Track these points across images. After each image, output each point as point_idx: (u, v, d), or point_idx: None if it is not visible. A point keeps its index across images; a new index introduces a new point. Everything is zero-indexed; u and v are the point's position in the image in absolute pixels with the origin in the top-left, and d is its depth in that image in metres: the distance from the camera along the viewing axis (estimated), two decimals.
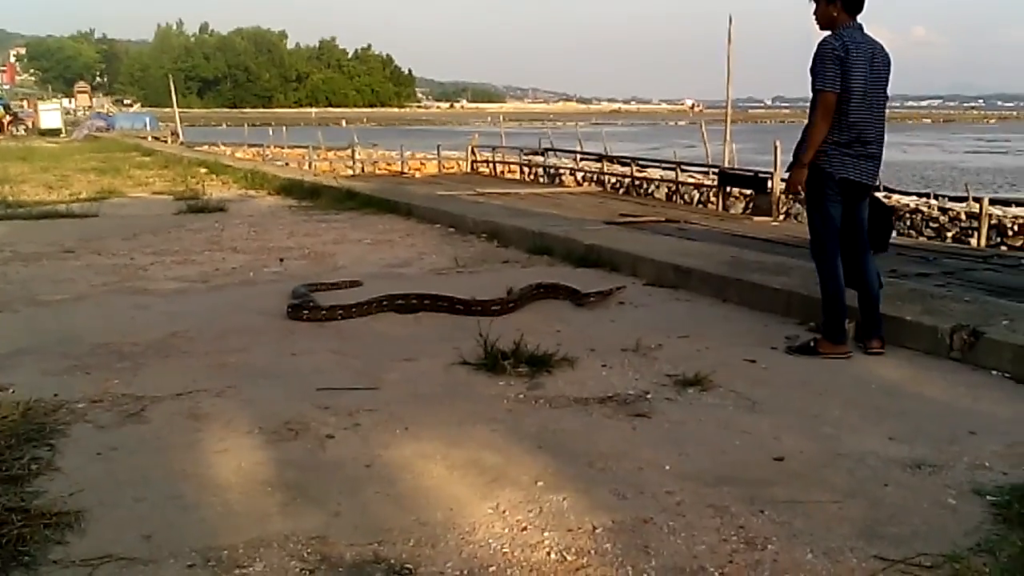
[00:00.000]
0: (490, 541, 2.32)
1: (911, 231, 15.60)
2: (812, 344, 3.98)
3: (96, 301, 5.28)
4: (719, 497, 2.53)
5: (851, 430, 3.05)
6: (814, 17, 4.05)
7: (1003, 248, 13.37)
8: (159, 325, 4.64)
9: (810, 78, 3.93)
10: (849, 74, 3.83)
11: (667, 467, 2.77)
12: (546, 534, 2.35)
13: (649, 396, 3.45)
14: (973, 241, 14.12)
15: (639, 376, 3.72)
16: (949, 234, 14.96)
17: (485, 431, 3.12)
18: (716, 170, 17.89)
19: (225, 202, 10.66)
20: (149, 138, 35.72)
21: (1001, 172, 34.51)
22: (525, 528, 2.39)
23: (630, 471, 2.75)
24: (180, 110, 43.35)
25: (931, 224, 15.52)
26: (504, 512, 2.48)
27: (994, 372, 3.63)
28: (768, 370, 3.79)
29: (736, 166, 17.54)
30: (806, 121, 3.99)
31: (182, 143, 35.04)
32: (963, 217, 15.14)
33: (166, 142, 34.72)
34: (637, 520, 2.41)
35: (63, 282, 5.78)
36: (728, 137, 16.99)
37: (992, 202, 15.82)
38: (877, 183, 4.05)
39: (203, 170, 16.70)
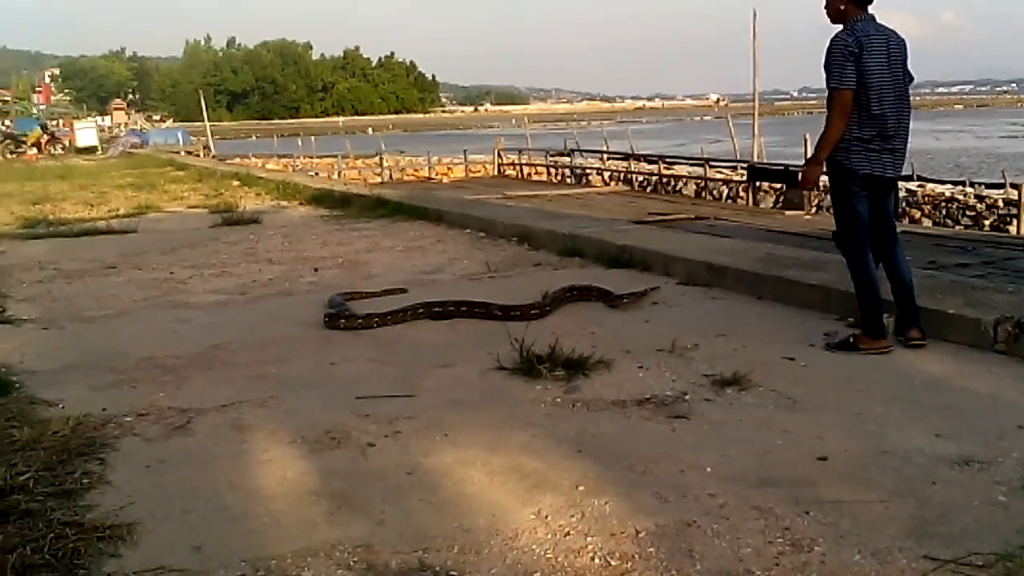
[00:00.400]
0: (533, 547, 2.33)
1: (947, 220, 15.33)
2: (851, 340, 3.94)
3: (139, 316, 5.38)
4: (763, 499, 2.52)
5: (896, 427, 3.02)
6: (825, 12, 4.03)
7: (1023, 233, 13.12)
8: (200, 338, 4.72)
9: (824, 75, 3.90)
10: (865, 68, 3.81)
11: (709, 469, 2.76)
12: (589, 539, 2.35)
13: (687, 397, 3.43)
14: (1012, 228, 13.83)
15: (676, 377, 3.71)
16: (987, 222, 14.67)
17: (524, 436, 3.13)
18: (745, 165, 17.73)
19: (259, 214, 10.78)
20: (182, 153, 36.26)
21: None
22: (568, 533, 2.39)
23: (671, 474, 2.74)
24: (211, 124, 44.03)
25: (967, 212, 15.23)
26: (546, 517, 2.49)
27: None
28: (808, 368, 3.76)
29: (765, 160, 17.37)
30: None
31: (214, 156, 35.54)
32: (1001, 204, 14.84)
33: (199, 156, 35.25)
34: (680, 523, 2.40)
35: (106, 298, 5.90)
36: (756, 131, 16.83)
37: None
38: (908, 173, 4.02)
39: (236, 183, 16.92)
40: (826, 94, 3.95)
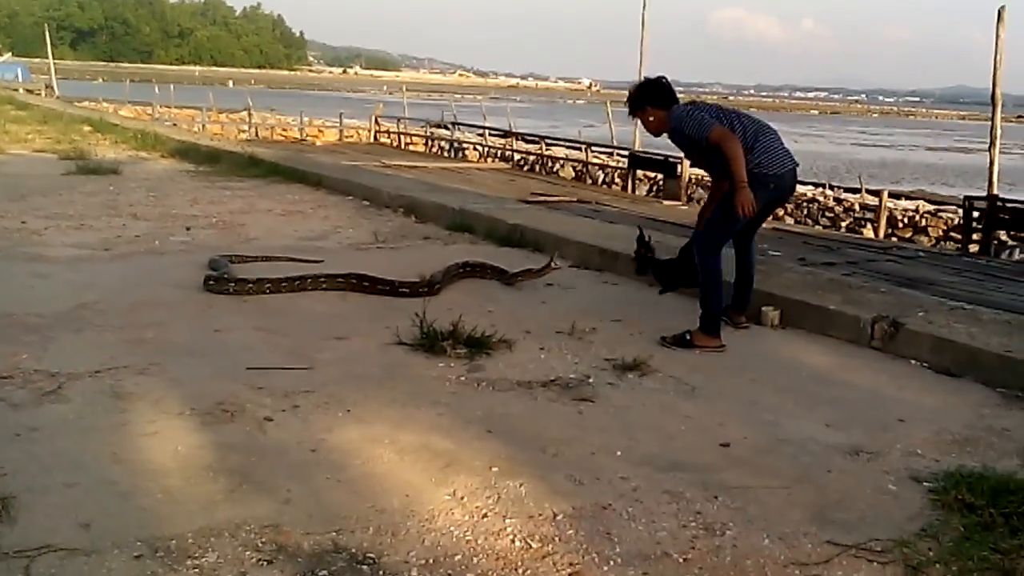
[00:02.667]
0: (451, 529, 2.28)
1: (807, 219, 16.29)
2: (688, 337, 3.99)
3: None
4: (673, 483, 2.57)
5: (789, 416, 3.16)
6: (651, 132, 4.30)
7: (894, 239, 14.13)
8: (64, 295, 4.34)
9: (693, 139, 4.03)
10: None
11: (618, 452, 2.79)
12: (507, 521, 2.32)
13: (591, 380, 3.46)
14: (866, 231, 14.86)
15: (578, 360, 3.74)
16: (844, 224, 15.67)
17: (431, 414, 3.06)
18: (626, 153, 18.12)
19: (117, 164, 10.06)
20: (21, 90, 33.32)
21: (886, 165, 36.51)
22: (485, 515, 2.35)
23: (583, 456, 2.75)
24: (54, 62, 40.61)
25: (826, 214, 16.23)
26: (462, 499, 2.44)
27: (913, 362, 3.83)
28: (702, 356, 3.87)
29: (642, 149, 17.81)
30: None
31: (58, 97, 32.88)
32: (857, 208, 15.91)
33: (40, 95, 32.52)
34: (596, 507, 2.42)
35: None
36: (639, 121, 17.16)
37: (876, 194, 16.65)
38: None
39: (87, 128, 15.74)
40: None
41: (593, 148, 21.65)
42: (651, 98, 4.20)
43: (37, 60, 51.13)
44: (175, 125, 25.43)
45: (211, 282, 4.61)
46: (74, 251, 5.46)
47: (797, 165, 4.19)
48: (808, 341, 4.18)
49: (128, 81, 42.76)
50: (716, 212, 4.17)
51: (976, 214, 12.15)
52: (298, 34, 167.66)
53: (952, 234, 14.67)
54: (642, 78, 4.46)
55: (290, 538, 2.19)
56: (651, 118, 4.19)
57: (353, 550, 2.15)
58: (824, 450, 2.85)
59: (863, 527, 2.33)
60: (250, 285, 4.58)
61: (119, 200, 7.65)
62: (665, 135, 4.25)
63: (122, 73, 66.39)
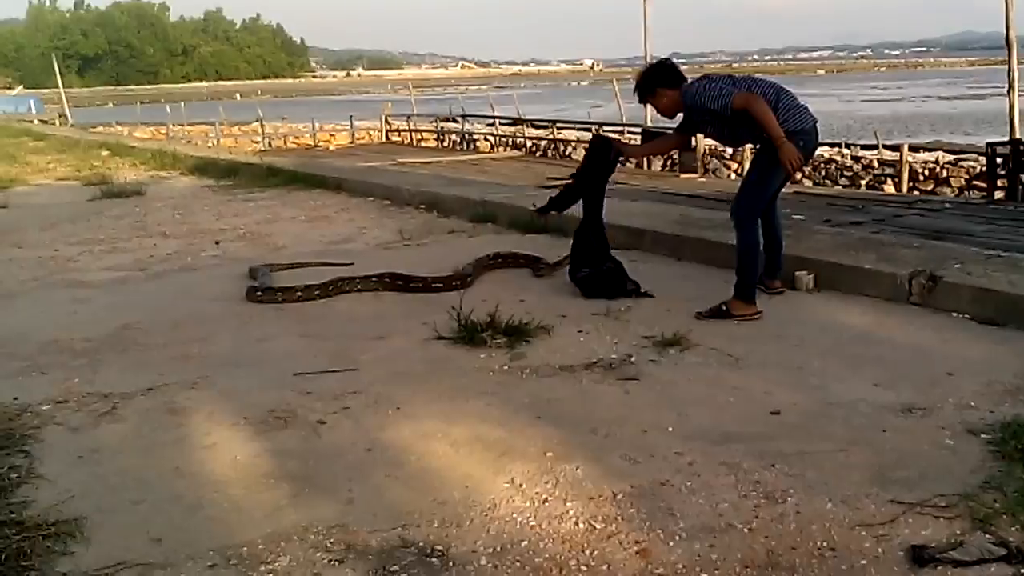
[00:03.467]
0: (514, 516, 2.31)
1: (826, 180, 16.14)
2: (724, 308, 3.97)
3: (30, 297, 4.97)
4: (728, 455, 2.58)
5: (836, 379, 3.15)
6: (663, 114, 4.28)
7: (916, 192, 13.97)
8: (106, 318, 4.41)
9: (717, 107, 3.96)
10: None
11: (670, 428, 2.80)
12: (568, 504, 2.35)
13: (633, 359, 3.47)
14: (887, 187, 14.70)
15: (617, 340, 3.75)
16: (863, 181, 15.52)
17: (479, 405, 3.09)
18: (639, 130, 18.05)
19: (140, 185, 10.18)
20: (35, 122, 33.78)
21: (899, 119, 36.01)
22: (546, 500, 2.38)
23: (634, 435, 2.77)
24: (64, 90, 41.12)
25: (845, 173, 16.07)
26: (521, 486, 2.46)
27: (954, 314, 3.80)
28: (741, 326, 3.87)
29: (652, 125, 17.70)
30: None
31: (72, 125, 33.28)
32: (876, 164, 15.73)
33: (55, 125, 32.93)
34: (654, 483, 2.43)
35: None
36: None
37: (894, 149, 16.45)
38: None
39: (105, 152, 15.92)
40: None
41: (604, 128, 21.56)
42: (661, 79, 4.19)
43: (47, 90, 51.88)
44: (190, 142, 25.66)
45: (257, 292, 4.66)
46: (110, 274, 5.55)
47: (816, 121, 4.16)
48: (845, 302, 4.15)
49: (139, 103, 43.25)
50: (751, 174, 4.14)
51: (999, 160, 11.96)
52: (299, 41, 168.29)
53: (976, 183, 14.47)
54: (647, 62, 4.44)
55: (358, 537, 2.23)
56: (664, 99, 4.17)
57: (421, 544, 2.18)
58: (875, 410, 2.84)
59: (925, 484, 2.33)
60: (299, 293, 4.64)
61: (147, 220, 7.75)
62: (680, 115, 4.24)
63: (131, 96, 67.11)
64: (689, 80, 4.16)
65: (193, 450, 2.80)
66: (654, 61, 4.34)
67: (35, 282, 5.35)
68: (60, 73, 39.40)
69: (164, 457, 2.74)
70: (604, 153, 4.60)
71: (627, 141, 4.26)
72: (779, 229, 4.38)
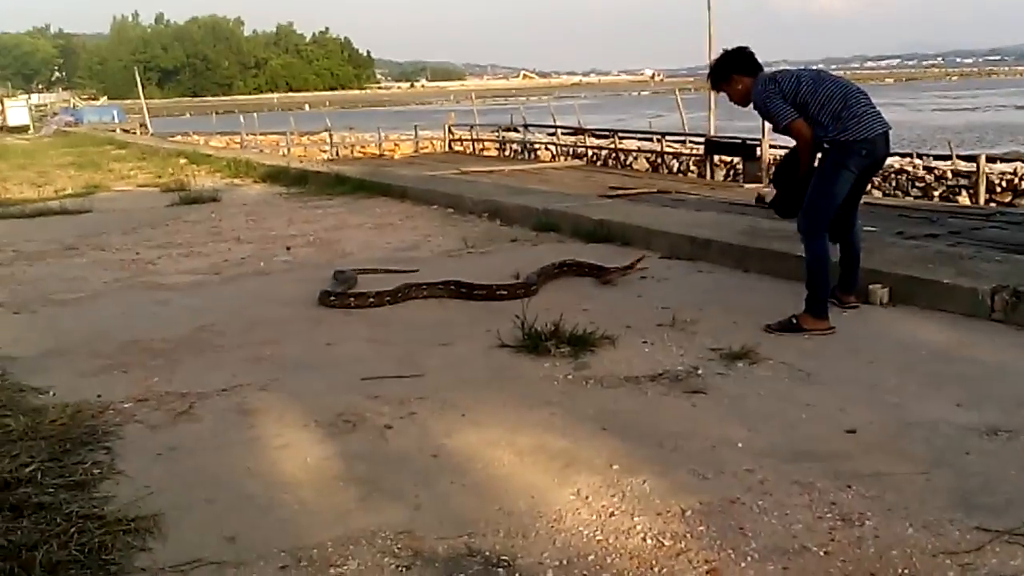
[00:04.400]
0: (581, 529, 2.29)
1: (896, 191, 15.68)
2: (794, 321, 3.89)
3: (112, 298, 5.16)
4: (802, 473, 2.51)
5: (914, 398, 3.05)
6: (733, 101, 4.21)
7: (992, 204, 13.48)
8: (183, 320, 4.55)
9: (772, 123, 4.05)
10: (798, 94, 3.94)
11: (739, 444, 2.74)
12: (636, 519, 2.32)
13: (700, 372, 3.42)
14: (961, 199, 14.21)
15: (683, 352, 3.70)
16: (936, 193, 15.03)
17: (544, 414, 3.08)
18: (702, 139, 17.88)
19: (215, 192, 10.48)
20: (118, 131, 35.12)
21: (973, 129, 34.87)
22: (612, 514, 2.36)
23: (703, 450, 2.72)
24: (144, 101, 42.74)
25: (916, 184, 15.59)
26: (587, 498, 2.45)
27: None
28: (812, 340, 3.78)
29: (716, 134, 17.51)
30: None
31: (152, 134, 34.48)
32: (949, 175, 15.23)
33: (135, 134, 34.17)
34: (724, 501, 2.39)
35: (74, 280, 5.65)
36: (713, 106, 16.94)
37: (969, 159, 15.91)
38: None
39: (183, 160, 16.44)
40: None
41: (670, 138, 21.39)
42: (737, 66, 4.12)
43: (129, 101, 53.97)
44: (262, 151, 26.36)
45: (331, 297, 4.76)
46: (187, 277, 5.72)
47: (889, 129, 4.04)
48: (922, 318, 4.02)
49: (214, 114, 44.61)
50: (812, 189, 4.06)
51: None
52: (365, 54, 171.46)
53: None
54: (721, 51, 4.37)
55: (424, 544, 2.24)
56: (739, 86, 4.10)
57: (487, 553, 2.18)
58: (958, 432, 2.74)
59: (1013, 511, 2.23)
60: (371, 299, 4.73)
61: (222, 226, 7.97)
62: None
63: (207, 107, 69.30)
64: (764, 74, 4.06)
65: (265, 451, 2.86)
66: (732, 48, 4.23)
67: (117, 283, 5.55)
68: (141, 84, 40.98)
69: (237, 456, 2.81)
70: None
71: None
72: (858, 242, 4.26)
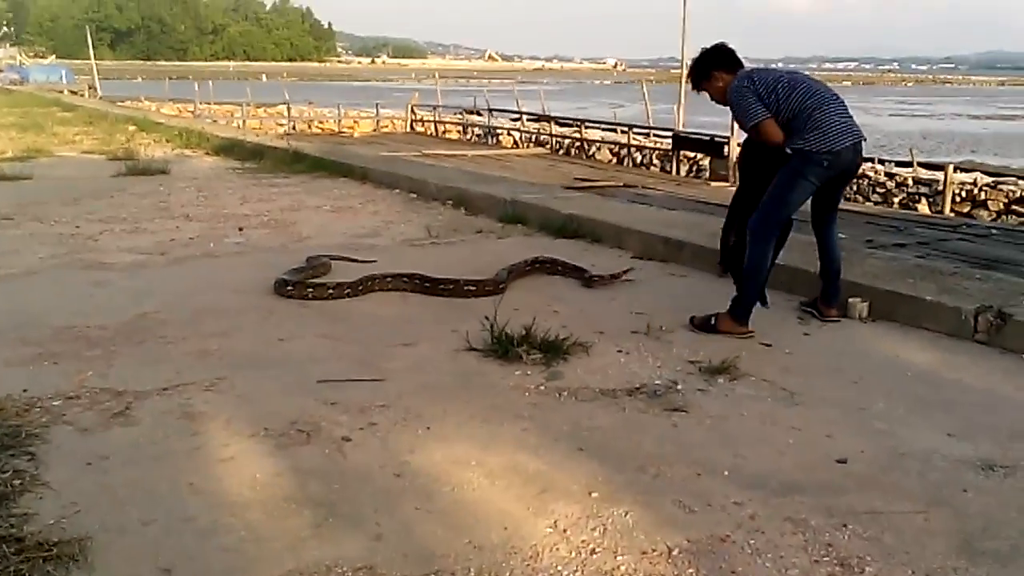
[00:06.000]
0: (559, 568, 2.09)
1: (857, 196, 15.77)
2: (713, 321, 3.87)
3: (47, 276, 4.80)
4: (794, 508, 2.35)
5: (903, 424, 2.91)
6: (714, 100, 4.05)
7: (951, 214, 13.61)
8: (124, 305, 4.23)
9: (743, 123, 3.90)
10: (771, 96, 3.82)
11: (725, 472, 2.57)
12: (619, 558, 2.12)
13: (679, 387, 3.24)
14: (920, 207, 14.33)
15: (660, 363, 3.52)
16: (896, 199, 15.14)
17: (515, 430, 2.87)
18: (668, 133, 17.76)
19: (165, 163, 10.03)
20: (66, 92, 33.85)
21: (930, 136, 35.47)
22: (594, 551, 2.16)
23: (687, 478, 2.54)
24: (96, 62, 41.27)
25: (877, 190, 15.70)
26: (565, 531, 2.24)
27: None
28: (793, 356, 3.63)
29: (684, 128, 17.42)
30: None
31: (101, 98, 33.31)
32: (910, 183, 15.35)
33: (84, 96, 32.99)
34: (714, 539, 2.21)
35: (7, 254, 5.26)
36: (683, 100, 16.79)
37: (929, 167, 16.11)
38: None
39: (132, 127, 15.84)
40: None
41: (637, 130, 21.27)
42: (719, 62, 3.98)
43: (79, 61, 52.13)
44: (215, 121, 25.59)
45: (288, 287, 4.47)
46: (130, 256, 5.37)
47: (861, 139, 3.92)
48: (904, 335, 3.90)
49: (167, 79, 43.27)
50: (768, 193, 3.93)
51: None
52: (326, 25, 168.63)
53: (1015, 207, 14.09)
54: (690, 57, 4.22)
55: None
56: (719, 83, 3.95)
57: None
58: (953, 466, 2.60)
59: (1018, 560, 2.09)
60: (330, 290, 4.48)
61: (170, 201, 7.58)
62: None
63: (160, 71, 67.35)
64: (742, 71, 3.94)
65: (209, 463, 2.60)
66: (712, 45, 4.09)
67: (54, 260, 5.19)
68: (92, 45, 39.47)
69: (178, 469, 2.55)
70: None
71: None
72: (836, 253, 4.16)
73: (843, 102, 3.98)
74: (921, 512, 2.32)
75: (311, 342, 3.79)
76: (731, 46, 4.07)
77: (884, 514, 2.31)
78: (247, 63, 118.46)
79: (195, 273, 5.02)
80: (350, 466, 2.60)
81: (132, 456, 2.62)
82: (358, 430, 2.84)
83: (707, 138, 15.61)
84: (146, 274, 4.94)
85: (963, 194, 14.94)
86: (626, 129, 21.23)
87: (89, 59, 41.03)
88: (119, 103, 28.00)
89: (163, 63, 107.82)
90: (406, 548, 2.16)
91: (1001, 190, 14.75)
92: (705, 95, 4.11)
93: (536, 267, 4.95)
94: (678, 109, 15.59)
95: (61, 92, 32.74)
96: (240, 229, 6.36)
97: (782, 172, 3.90)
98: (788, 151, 3.85)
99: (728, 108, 4.05)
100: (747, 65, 4.06)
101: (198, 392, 3.14)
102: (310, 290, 4.46)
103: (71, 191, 7.86)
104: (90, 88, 37.55)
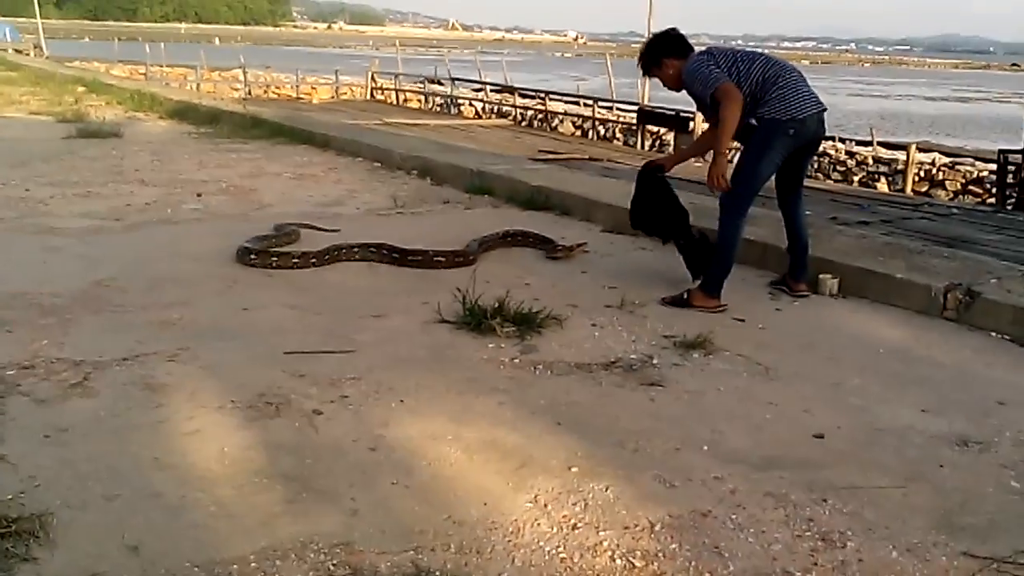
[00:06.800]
0: (541, 544, 2.05)
1: (818, 174, 15.93)
2: (685, 296, 3.89)
3: None
4: (774, 484, 2.33)
5: (878, 400, 2.92)
6: (666, 86, 4.06)
7: (910, 192, 13.82)
8: (78, 272, 4.06)
9: (702, 94, 3.83)
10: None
11: (704, 447, 2.55)
12: (601, 533, 2.09)
13: (655, 361, 3.22)
14: (879, 185, 14.53)
15: (635, 338, 3.49)
16: (856, 178, 15.33)
17: (491, 404, 2.82)
18: (633, 107, 17.71)
19: (117, 126, 9.70)
20: (10, 51, 32.58)
21: (886, 117, 35.96)
22: (575, 526, 2.12)
23: (667, 452, 2.52)
24: (41, 21, 39.78)
25: (838, 168, 15.88)
26: (546, 507, 2.20)
27: (993, 334, 3.58)
28: (767, 331, 3.63)
29: (649, 103, 17.39)
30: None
31: (47, 57, 32.15)
32: (870, 161, 15.55)
33: (29, 56, 31.81)
34: (695, 514, 2.18)
35: None
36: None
37: (889, 147, 16.33)
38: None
39: (81, 88, 15.32)
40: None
41: (599, 104, 21.17)
42: (668, 49, 3.97)
43: (23, 20, 50.19)
44: (168, 84, 24.87)
45: (251, 256, 4.33)
46: (84, 222, 5.17)
47: (823, 109, 3.93)
48: (874, 311, 3.93)
49: (116, 40, 41.93)
50: (736, 167, 3.93)
51: (1012, 168, 11.77)
52: None
53: (972, 187, 14.37)
54: (650, 34, 4.18)
55: (364, 559, 1.96)
56: (670, 70, 3.95)
57: (437, 572, 1.92)
58: (928, 441, 2.62)
59: (997, 535, 2.10)
60: (295, 260, 4.37)
61: (124, 165, 7.33)
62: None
63: (108, 31, 65.28)
64: (696, 52, 3.92)
65: (174, 437, 2.50)
66: (661, 31, 4.07)
67: (2, 225, 4.97)
68: (38, 3, 38.00)
69: (141, 443, 2.44)
70: (653, 180, 4.30)
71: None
72: (803, 229, 4.19)
73: (802, 74, 3.98)
74: (900, 487, 2.33)
75: (277, 312, 3.68)
76: (681, 31, 4.05)
77: (864, 489, 2.31)
78: (199, 25, 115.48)
79: (152, 240, 4.85)
80: (322, 440, 2.52)
81: (93, 429, 2.51)
82: (329, 403, 2.76)
83: (673, 113, 15.60)
84: (101, 240, 4.76)
85: (921, 174, 15.19)
86: (591, 102, 21.12)
87: (35, 17, 39.50)
88: (67, 63, 27.06)
89: (112, 23, 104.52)
90: (384, 524, 2.09)
91: (959, 170, 15.02)
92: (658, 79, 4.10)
93: (507, 240, 4.88)
94: (641, 84, 15.49)
95: (5, 51, 31.51)
96: (198, 195, 6.18)
97: (750, 144, 3.91)
98: (753, 122, 3.86)
99: (685, 90, 3.98)
100: (707, 43, 4.05)
101: (160, 363, 3.03)
102: (274, 259, 4.33)
103: (18, 153, 7.55)
104: (36, 47, 36.22)
